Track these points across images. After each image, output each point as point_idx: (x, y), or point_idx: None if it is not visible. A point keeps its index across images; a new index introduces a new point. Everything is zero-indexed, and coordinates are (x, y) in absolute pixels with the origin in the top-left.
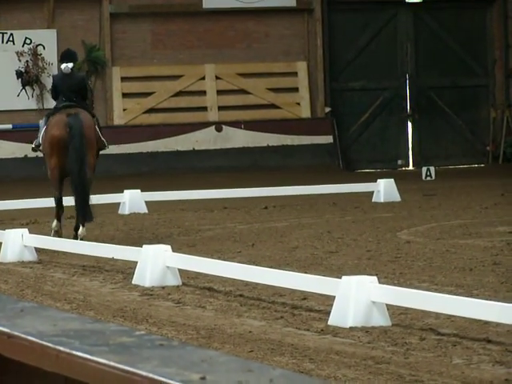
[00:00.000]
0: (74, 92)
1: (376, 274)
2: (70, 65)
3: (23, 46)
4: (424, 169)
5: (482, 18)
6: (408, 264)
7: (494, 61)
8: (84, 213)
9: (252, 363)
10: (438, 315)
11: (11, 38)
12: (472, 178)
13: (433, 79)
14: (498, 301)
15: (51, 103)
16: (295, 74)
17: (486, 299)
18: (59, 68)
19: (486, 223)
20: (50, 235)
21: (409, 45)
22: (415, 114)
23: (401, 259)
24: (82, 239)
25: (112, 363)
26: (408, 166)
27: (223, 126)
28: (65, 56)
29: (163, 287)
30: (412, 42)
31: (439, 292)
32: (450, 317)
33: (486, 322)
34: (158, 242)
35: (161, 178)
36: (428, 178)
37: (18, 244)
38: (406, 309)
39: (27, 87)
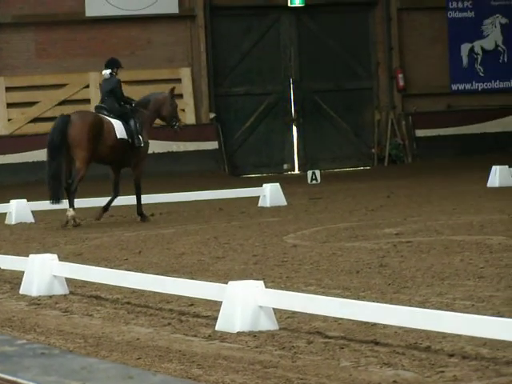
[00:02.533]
0: (108, 95)
1: (263, 279)
2: (108, 71)
3: None
4: (309, 172)
5: (365, 20)
6: (295, 268)
7: (378, 63)
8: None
9: (132, 370)
10: (325, 318)
11: None
12: (358, 180)
13: (317, 83)
14: (385, 302)
15: None
16: (179, 80)
17: (373, 301)
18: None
19: (372, 225)
20: None
21: (292, 49)
22: (300, 118)
23: (287, 263)
24: None
25: None
26: (294, 169)
27: None
28: (106, 63)
29: (50, 296)
30: (295, 47)
31: (326, 295)
32: (337, 319)
33: (374, 324)
34: (45, 251)
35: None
36: (314, 182)
37: None
38: (293, 312)
39: None
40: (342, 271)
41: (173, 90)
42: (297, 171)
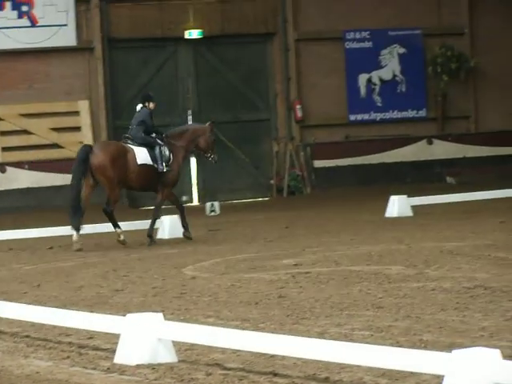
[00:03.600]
0: (136, 124)
1: (162, 311)
2: (140, 106)
3: None
4: (208, 204)
5: (263, 51)
6: (194, 300)
7: (276, 94)
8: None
9: None
10: (224, 350)
11: None
12: (257, 211)
13: (215, 114)
14: (284, 334)
15: None
16: (77, 113)
17: (272, 332)
18: None
19: (271, 256)
20: None
21: (190, 81)
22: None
23: (186, 295)
24: None
25: None
26: (192, 201)
27: (7, 167)
28: (141, 98)
29: None
30: (193, 79)
31: (225, 327)
32: (236, 351)
33: (273, 356)
34: None
35: None
36: (212, 213)
37: None
38: (192, 344)
39: None
40: (241, 303)
41: (212, 123)
42: (196, 203)
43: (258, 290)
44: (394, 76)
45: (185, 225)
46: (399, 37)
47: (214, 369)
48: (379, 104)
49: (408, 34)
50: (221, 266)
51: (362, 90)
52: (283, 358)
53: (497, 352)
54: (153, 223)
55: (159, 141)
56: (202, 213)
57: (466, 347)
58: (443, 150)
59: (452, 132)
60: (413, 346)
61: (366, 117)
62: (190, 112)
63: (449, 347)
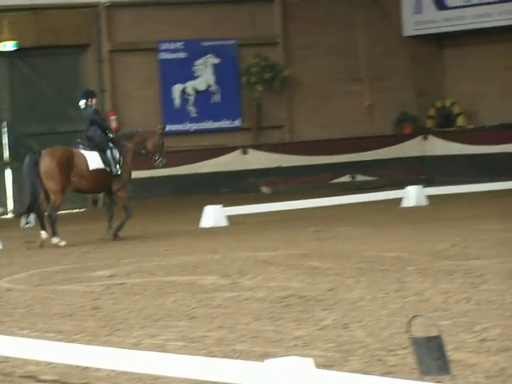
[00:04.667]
0: (89, 124)
1: None
2: (82, 102)
3: None
4: (23, 217)
5: (77, 63)
6: (8, 312)
7: None
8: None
9: None
10: (38, 362)
11: None
12: (73, 223)
13: (30, 126)
14: (98, 345)
15: None
16: None
17: (86, 344)
18: None
19: (86, 268)
20: None
21: (5, 92)
22: (14, 161)
23: (1, 307)
24: None
25: None
26: (7, 213)
27: None
28: (80, 94)
29: None
30: (8, 90)
31: (39, 339)
32: (50, 363)
33: (86, 367)
34: None
35: None
36: (28, 225)
37: None
38: (7, 357)
39: None
40: (56, 314)
41: (163, 128)
42: (11, 215)
43: (73, 301)
44: (209, 86)
45: (121, 226)
46: (213, 47)
47: (29, 381)
48: (194, 114)
49: (222, 44)
50: (36, 277)
51: (177, 101)
52: (97, 369)
53: (310, 361)
54: (124, 223)
55: (110, 143)
56: (18, 225)
57: (279, 357)
58: (258, 159)
59: (267, 142)
60: (226, 356)
61: (180, 127)
62: (4, 124)
63: (262, 357)
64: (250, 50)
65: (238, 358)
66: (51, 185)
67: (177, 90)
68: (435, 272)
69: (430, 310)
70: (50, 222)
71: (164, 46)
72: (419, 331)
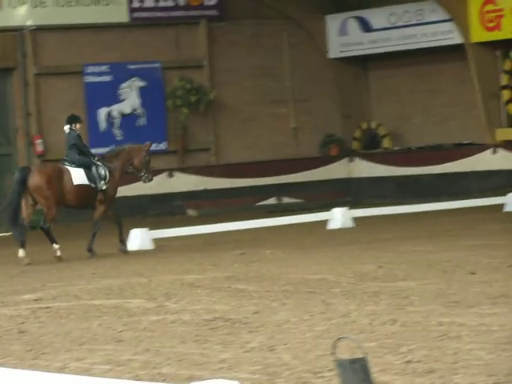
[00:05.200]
0: (70, 148)
1: None
2: (67, 127)
3: None
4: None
5: (2, 86)
6: None
7: (16, 129)
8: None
9: None
10: None
11: None
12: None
13: None
14: (24, 369)
15: None
16: None
17: (12, 368)
18: None
19: (12, 292)
20: None
21: None
22: None
23: None
24: None
25: None
26: None
27: None
28: (66, 119)
29: None
30: None
31: None
32: None
33: None
34: None
35: None
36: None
37: None
38: None
39: None
40: None
41: (149, 145)
42: None
43: None
44: (134, 109)
45: (122, 239)
46: (138, 70)
47: None
48: (120, 138)
49: (147, 67)
50: None
51: (103, 124)
52: None
53: (236, 383)
54: (93, 238)
55: (95, 161)
56: None
57: (205, 379)
58: (184, 182)
59: (193, 164)
60: (152, 379)
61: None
62: None
63: (188, 380)
64: (175, 73)
65: (163, 381)
66: (42, 200)
67: (102, 113)
68: (361, 294)
69: (356, 331)
70: (45, 233)
71: (90, 70)
72: (344, 353)
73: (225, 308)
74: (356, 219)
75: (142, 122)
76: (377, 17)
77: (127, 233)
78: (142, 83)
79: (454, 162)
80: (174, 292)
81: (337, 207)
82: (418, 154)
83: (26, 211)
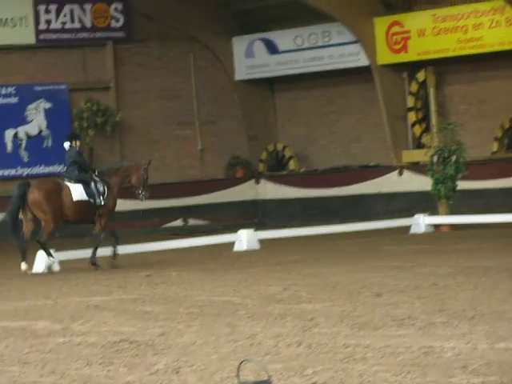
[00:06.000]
0: (70, 165)
1: None
2: (67, 143)
3: None
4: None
5: None
6: None
7: None
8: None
9: None
10: None
11: None
12: None
13: None
14: None
15: None
16: None
17: None
18: None
19: None
20: None
21: None
22: None
23: None
24: None
25: None
26: None
27: None
28: (66, 137)
29: None
30: None
31: None
32: None
33: None
34: None
35: None
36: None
37: None
38: None
39: None
40: None
41: (148, 163)
42: None
43: None
44: (41, 131)
45: (115, 254)
46: (45, 92)
47: None
48: (26, 159)
49: (53, 88)
50: None
51: (9, 146)
52: None
53: None
54: (95, 251)
55: (94, 177)
56: None
57: None
58: None
59: None
60: None
61: (13, 172)
62: None
63: None
64: (81, 95)
65: None
66: (41, 215)
67: (9, 134)
68: (267, 316)
69: (262, 353)
70: (41, 246)
71: None
72: (249, 375)
73: (131, 330)
74: (262, 241)
75: (49, 143)
76: (283, 39)
77: (33, 254)
78: (48, 105)
79: (360, 184)
80: (80, 314)
81: (243, 229)
82: (324, 176)
83: (25, 226)
